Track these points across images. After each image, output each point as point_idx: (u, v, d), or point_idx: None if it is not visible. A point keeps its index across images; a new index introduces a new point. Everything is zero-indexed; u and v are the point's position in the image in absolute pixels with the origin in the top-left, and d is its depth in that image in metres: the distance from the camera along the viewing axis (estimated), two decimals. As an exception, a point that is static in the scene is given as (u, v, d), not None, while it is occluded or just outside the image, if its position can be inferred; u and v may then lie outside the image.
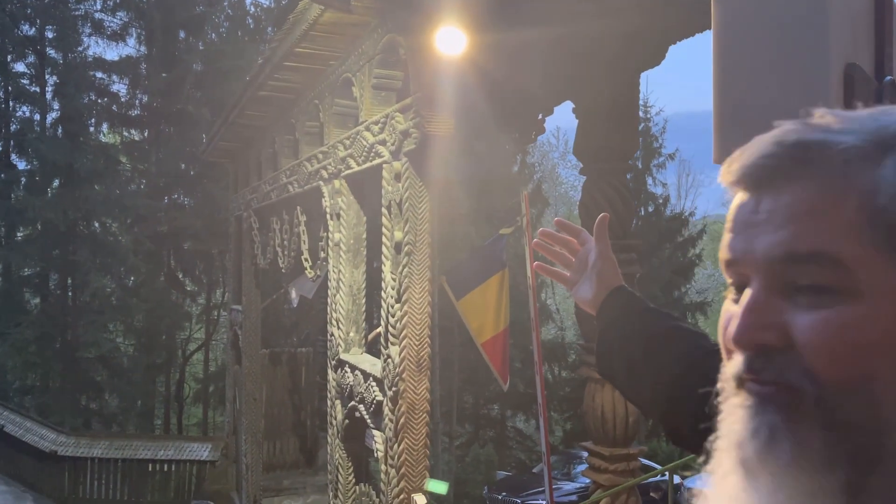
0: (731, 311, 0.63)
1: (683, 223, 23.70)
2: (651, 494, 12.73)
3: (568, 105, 5.90)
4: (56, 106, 19.16)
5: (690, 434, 1.05)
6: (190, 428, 22.54)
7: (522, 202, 6.06)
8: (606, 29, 4.57)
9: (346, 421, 5.37)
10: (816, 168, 0.57)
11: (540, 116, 6.17)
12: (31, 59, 19.11)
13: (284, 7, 18.94)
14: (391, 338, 4.48)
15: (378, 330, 5.00)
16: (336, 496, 5.61)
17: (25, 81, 19.26)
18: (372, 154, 4.80)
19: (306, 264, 6.67)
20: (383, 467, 4.57)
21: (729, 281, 0.64)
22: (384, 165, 4.59)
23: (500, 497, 15.00)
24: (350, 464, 5.51)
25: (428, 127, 4.09)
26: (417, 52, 4.21)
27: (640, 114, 7.20)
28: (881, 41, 1.53)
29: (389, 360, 4.47)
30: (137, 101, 20.10)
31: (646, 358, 1.17)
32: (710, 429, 0.66)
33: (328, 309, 5.73)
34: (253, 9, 21.76)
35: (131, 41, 20.15)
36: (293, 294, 10.72)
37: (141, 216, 18.56)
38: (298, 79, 5.96)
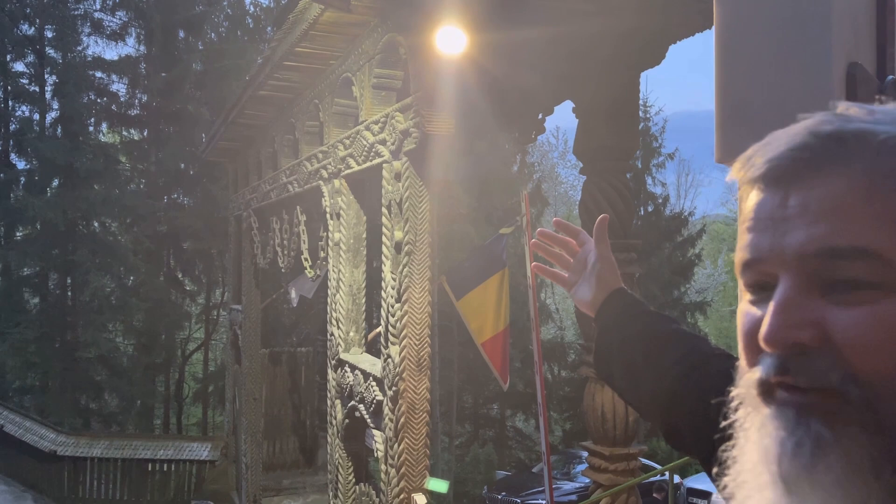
0: (750, 312, 0.60)
1: (683, 223, 23.72)
2: (654, 495, 12.73)
3: (567, 104, 5.91)
4: (55, 105, 19.14)
5: (691, 439, 1.05)
6: (189, 427, 22.55)
7: (522, 202, 6.06)
8: (607, 28, 4.57)
9: (346, 420, 5.37)
10: (854, 159, 0.55)
11: (540, 116, 6.16)
12: (30, 58, 19.10)
13: (284, 6, 18.87)
14: (391, 337, 4.48)
15: (378, 329, 5.00)
16: (336, 496, 5.60)
17: (25, 81, 19.24)
18: (372, 154, 4.79)
19: (306, 264, 6.67)
20: (383, 467, 4.57)
21: (746, 283, 0.61)
22: (384, 165, 4.58)
23: (499, 497, 15.00)
24: (350, 463, 5.50)
25: (428, 126, 4.09)
26: (418, 52, 4.21)
27: (640, 113, 7.19)
28: (883, 40, 1.53)
29: (389, 360, 4.47)
30: (137, 101, 20.10)
31: (645, 361, 1.16)
32: (722, 437, 0.63)
33: (328, 308, 5.73)
34: (252, 8, 21.77)
35: (131, 41, 20.16)
36: (293, 294, 10.71)
37: (140, 216, 18.55)
38: (298, 78, 5.96)
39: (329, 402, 5.73)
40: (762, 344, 0.56)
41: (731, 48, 1.37)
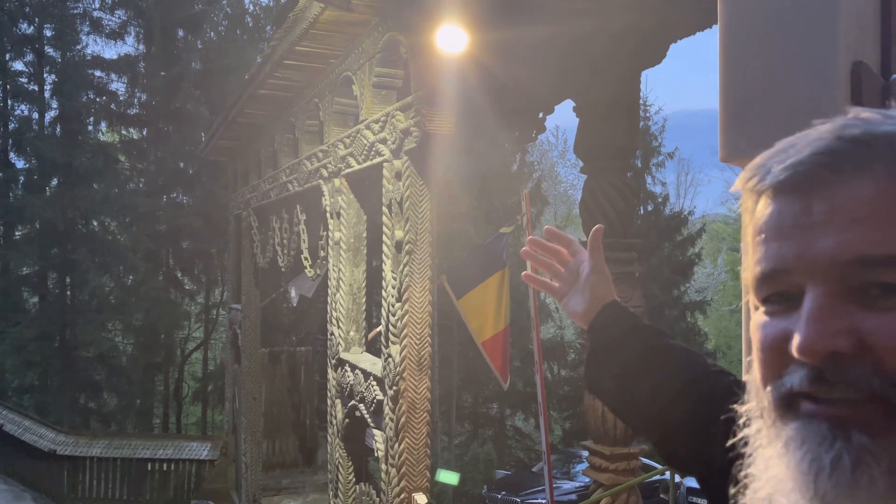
0: (771, 324, 0.58)
1: (683, 222, 23.72)
2: (661, 496, 12.73)
3: (566, 104, 5.90)
4: (54, 104, 19.12)
5: (688, 455, 1.03)
6: (189, 427, 22.54)
7: (523, 201, 6.06)
8: (607, 27, 4.56)
9: (347, 420, 5.36)
10: (884, 163, 0.53)
11: (541, 115, 6.16)
12: (29, 57, 19.08)
13: (284, 6, 18.93)
14: (392, 337, 4.47)
15: (378, 329, 4.99)
16: (336, 495, 5.60)
17: (24, 80, 19.22)
18: (372, 153, 4.79)
19: (306, 263, 6.66)
20: (384, 466, 4.57)
21: (764, 294, 0.59)
22: (385, 164, 4.57)
23: (499, 496, 14.99)
24: (350, 463, 5.50)
25: (429, 125, 4.08)
26: (418, 51, 4.20)
27: (640, 112, 7.19)
28: (888, 39, 1.52)
29: (390, 360, 4.47)
30: (136, 100, 20.08)
31: (641, 376, 1.14)
32: (729, 455, 0.62)
33: (328, 308, 5.72)
34: (252, 7, 21.76)
35: (130, 40, 20.14)
36: (293, 293, 10.70)
37: (140, 215, 18.54)
38: (298, 77, 5.95)
39: (329, 401, 5.72)
40: (797, 354, 0.54)
41: (736, 46, 1.36)
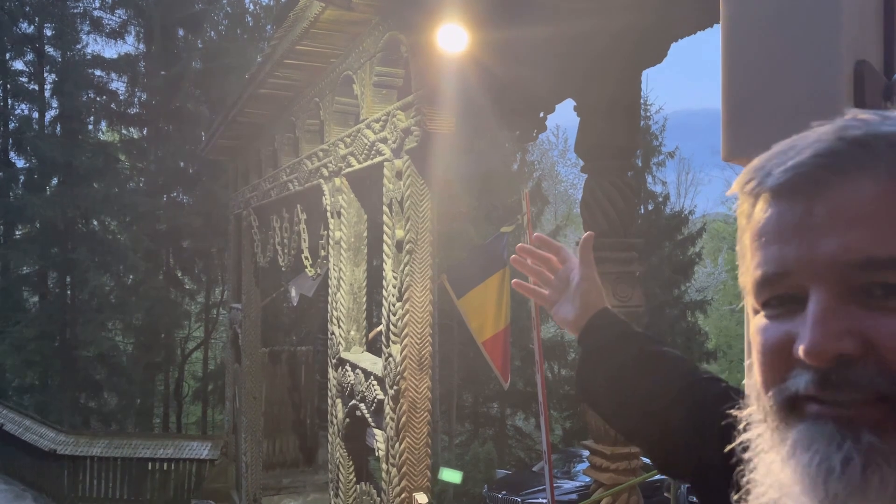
0: (772, 328, 0.58)
1: (683, 221, 23.72)
2: (665, 494, 12.72)
3: (566, 103, 5.89)
4: (55, 104, 19.13)
5: (683, 461, 1.03)
6: (189, 426, 22.55)
7: (523, 200, 6.06)
8: (608, 26, 4.55)
9: (347, 419, 5.36)
10: (886, 164, 0.53)
11: (541, 114, 6.15)
12: (29, 56, 19.08)
13: (284, 5, 18.90)
14: (392, 336, 4.47)
15: (379, 328, 4.99)
16: (337, 495, 5.60)
17: (24, 79, 19.23)
18: (373, 152, 4.78)
19: (306, 262, 6.66)
20: (384, 466, 4.56)
21: (765, 298, 0.58)
22: (385, 163, 4.57)
23: (499, 495, 14.99)
24: (351, 462, 5.50)
25: (429, 125, 4.08)
26: (419, 50, 4.20)
27: (640, 112, 7.18)
28: (890, 37, 1.52)
29: (391, 359, 4.46)
30: (136, 99, 20.09)
31: (633, 383, 1.14)
32: (726, 462, 0.61)
33: (329, 307, 5.71)
34: (252, 6, 21.76)
35: (130, 39, 20.15)
36: (293, 292, 10.70)
37: (140, 214, 18.54)
38: (299, 76, 5.95)
39: (330, 401, 5.72)
40: (804, 358, 0.54)
41: (738, 45, 1.36)
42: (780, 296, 0.57)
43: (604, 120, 5.06)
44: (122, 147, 20.12)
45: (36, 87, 19.14)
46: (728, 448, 0.63)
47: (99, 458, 13.73)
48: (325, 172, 5.69)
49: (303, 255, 6.72)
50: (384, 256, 4.59)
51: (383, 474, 4.59)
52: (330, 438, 5.75)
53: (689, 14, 4.57)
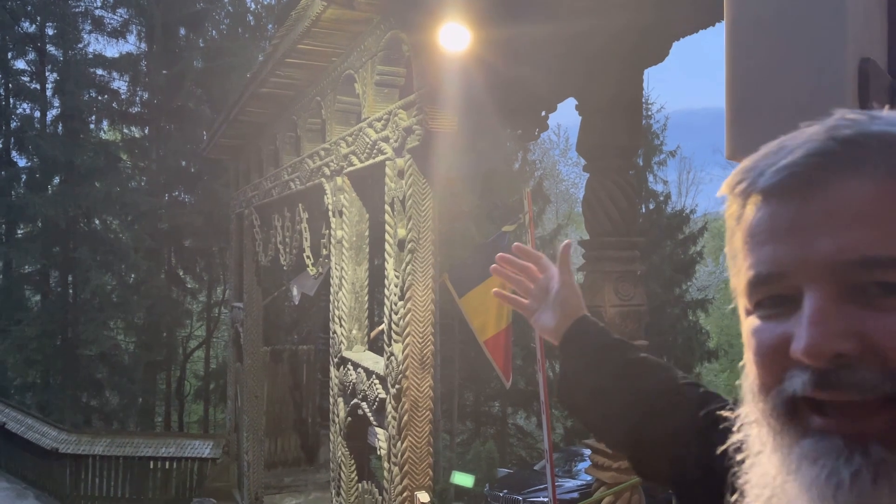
0: (767, 328, 0.58)
1: (684, 220, 23.70)
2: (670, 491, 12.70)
3: (568, 102, 5.89)
4: (56, 103, 19.14)
5: (664, 467, 1.04)
6: (191, 425, 22.57)
7: (525, 199, 6.05)
8: (610, 25, 4.55)
9: (349, 418, 5.36)
10: (878, 163, 0.53)
11: (543, 113, 6.15)
12: (31, 56, 19.09)
13: (286, 4, 18.91)
14: (394, 335, 4.47)
15: (381, 327, 4.99)
16: (338, 494, 5.60)
17: (26, 78, 19.24)
18: (375, 151, 4.78)
19: (308, 261, 6.66)
20: (386, 465, 4.56)
21: (758, 299, 0.58)
22: (387, 162, 4.57)
23: (501, 494, 15.00)
24: (352, 461, 5.50)
25: (431, 124, 4.07)
26: (421, 49, 4.19)
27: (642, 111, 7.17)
28: (894, 37, 1.51)
29: (392, 358, 4.46)
30: (138, 98, 20.09)
31: (615, 390, 1.14)
32: (728, 465, 0.61)
33: (331, 306, 5.72)
34: (253, 5, 21.76)
35: (131, 38, 20.15)
36: (294, 291, 10.70)
37: (141, 213, 18.55)
38: (300, 75, 5.94)
39: (332, 399, 5.72)
40: (802, 357, 0.54)
41: (742, 44, 1.35)
42: (774, 296, 0.57)
43: (605, 119, 5.05)
44: (123, 146, 20.13)
45: (38, 87, 19.15)
46: (720, 449, 0.63)
47: (101, 456, 13.74)
48: (327, 171, 5.69)
49: (304, 254, 6.72)
50: (386, 255, 4.59)
51: (385, 473, 4.59)
52: (332, 437, 5.75)
53: (691, 13, 4.56)
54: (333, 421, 5.68)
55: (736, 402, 0.62)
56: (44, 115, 19.23)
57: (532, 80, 5.29)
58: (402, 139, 4.36)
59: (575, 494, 13.71)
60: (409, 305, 4.34)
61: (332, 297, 5.68)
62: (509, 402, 21.63)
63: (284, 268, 8.01)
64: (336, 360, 5.59)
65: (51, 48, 18.93)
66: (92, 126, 19.55)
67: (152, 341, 19.47)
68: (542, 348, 5.88)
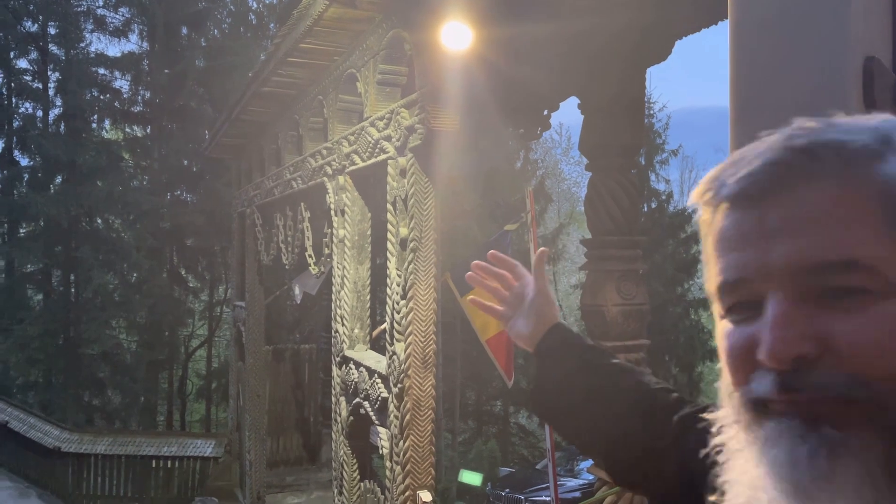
0: (735, 332, 0.60)
1: (686, 219, 23.64)
2: None
3: (570, 101, 5.88)
4: (58, 102, 19.16)
5: (638, 473, 1.06)
6: (193, 424, 22.59)
7: (527, 198, 6.04)
8: (612, 23, 4.54)
9: (351, 418, 5.36)
10: (830, 171, 0.56)
11: (545, 112, 6.14)
12: (33, 55, 19.11)
13: (287, 3, 18.93)
14: (396, 334, 4.47)
15: (383, 326, 4.99)
16: (340, 493, 5.60)
17: (28, 78, 19.26)
18: (377, 150, 4.78)
19: (310, 260, 6.66)
20: (388, 464, 4.56)
21: (727, 304, 0.61)
22: (389, 161, 4.57)
23: (503, 493, 14.99)
24: (355, 460, 5.50)
25: (433, 123, 4.07)
26: (423, 48, 4.19)
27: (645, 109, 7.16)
28: (899, 35, 1.51)
29: (395, 357, 4.46)
30: (140, 98, 20.11)
31: (590, 397, 1.15)
32: (709, 465, 0.63)
33: (333, 306, 5.72)
34: (255, 4, 21.76)
35: (133, 37, 20.17)
36: (296, 290, 10.70)
37: (143, 212, 18.56)
38: (302, 74, 5.94)
39: (334, 399, 5.72)
40: (766, 361, 0.56)
41: (746, 43, 1.35)
42: (741, 302, 0.60)
43: (608, 118, 5.05)
44: (125, 145, 20.15)
45: (40, 86, 19.17)
46: (703, 452, 0.65)
47: (103, 455, 13.75)
48: (329, 170, 5.69)
49: (306, 253, 6.72)
50: (388, 254, 4.59)
51: (387, 472, 4.59)
52: (334, 436, 5.75)
53: (694, 11, 4.56)
54: (335, 420, 5.68)
55: (711, 406, 0.65)
56: (46, 114, 19.26)
57: (534, 79, 5.28)
58: (404, 138, 4.35)
59: (577, 493, 13.71)
60: (411, 304, 4.34)
61: (334, 296, 5.68)
62: (511, 402, 21.63)
63: (286, 267, 8.01)
64: (338, 359, 5.59)
65: (53, 47, 18.95)
66: (94, 125, 19.57)
67: (154, 340, 19.49)
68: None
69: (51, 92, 19.17)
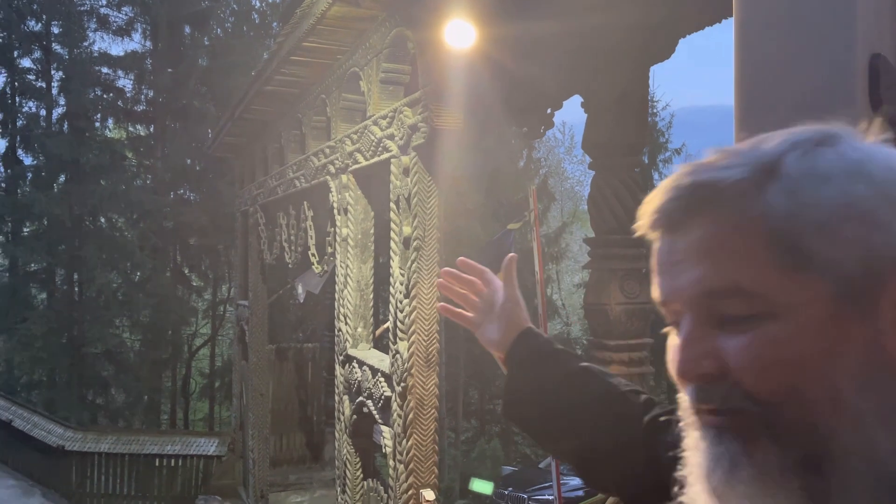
0: (672, 345, 0.66)
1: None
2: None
3: (573, 99, 5.87)
4: (62, 101, 19.20)
5: (610, 476, 1.08)
6: (196, 423, 22.60)
7: (530, 197, 6.04)
8: (615, 22, 4.54)
9: (354, 416, 5.36)
10: (712, 205, 0.61)
11: (549, 110, 6.14)
12: (37, 54, 19.15)
13: (290, 2, 18.88)
14: (400, 333, 4.46)
15: (386, 325, 4.99)
16: (344, 492, 5.60)
17: (31, 77, 19.31)
18: (380, 149, 4.77)
19: (313, 259, 6.66)
20: (392, 463, 4.56)
21: (668, 322, 0.67)
22: (392, 160, 4.56)
23: (506, 492, 15.01)
24: (358, 459, 5.50)
25: (437, 121, 4.07)
26: (426, 46, 4.18)
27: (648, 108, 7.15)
28: (904, 31, 1.50)
29: (398, 356, 4.46)
30: (143, 97, 20.13)
31: (561, 401, 1.16)
32: (657, 472, 0.68)
33: (336, 304, 5.71)
34: (258, 3, 21.77)
35: (137, 36, 20.20)
36: (300, 289, 10.71)
37: (147, 211, 18.59)
38: (305, 73, 5.94)
39: (337, 397, 5.73)
40: (676, 377, 0.64)
41: (751, 40, 1.35)
42: (672, 320, 0.66)
43: (611, 116, 5.04)
44: (128, 144, 20.17)
45: (43, 85, 19.21)
46: (671, 453, 0.70)
47: (107, 454, 13.77)
48: (332, 169, 5.68)
49: (309, 252, 6.72)
50: (391, 253, 4.58)
51: (390, 471, 4.59)
52: (337, 435, 5.75)
53: (697, 9, 4.55)
54: (338, 419, 5.68)
55: (678, 407, 0.70)
56: (49, 113, 19.29)
57: (538, 78, 5.28)
58: (407, 137, 4.35)
59: (579, 492, 13.71)
60: (414, 303, 4.34)
61: (337, 295, 5.68)
62: (514, 400, 21.61)
63: (289, 266, 8.01)
64: (341, 357, 5.59)
65: (56, 46, 18.98)
66: (97, 124, 19.61)
67: (158, 339, 19.52)
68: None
69: (54, 91, 19.20)
